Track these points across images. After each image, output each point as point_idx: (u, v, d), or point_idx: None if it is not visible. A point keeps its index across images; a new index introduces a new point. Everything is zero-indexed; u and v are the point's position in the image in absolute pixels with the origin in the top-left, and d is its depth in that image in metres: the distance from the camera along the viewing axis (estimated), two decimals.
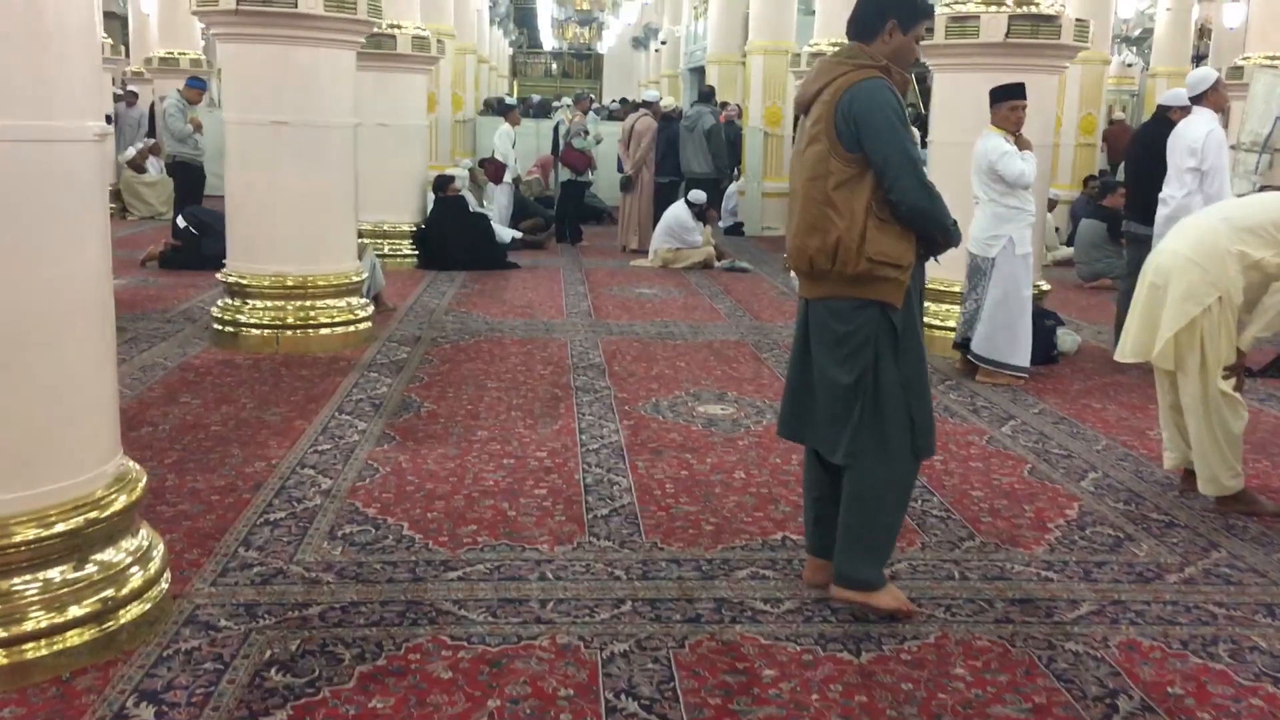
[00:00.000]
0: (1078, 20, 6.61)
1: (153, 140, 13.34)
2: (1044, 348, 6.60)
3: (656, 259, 10.95)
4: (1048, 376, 6.44)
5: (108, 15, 25.27)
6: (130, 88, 14.49)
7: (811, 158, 3.07)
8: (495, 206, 12.36)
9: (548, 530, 3.84)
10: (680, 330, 7.61)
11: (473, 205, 10.97)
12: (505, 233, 11.43)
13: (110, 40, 13.18)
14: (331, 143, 6.62)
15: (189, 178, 10.49)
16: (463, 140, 16.54)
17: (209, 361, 6.20)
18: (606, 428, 5.12)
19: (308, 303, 6.60)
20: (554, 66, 42.61)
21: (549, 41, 40.90)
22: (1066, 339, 7.03)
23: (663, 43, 25.96)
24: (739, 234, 13.63)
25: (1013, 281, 6.10)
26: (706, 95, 13.55)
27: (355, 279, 6.86)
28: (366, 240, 9.06)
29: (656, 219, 11.56)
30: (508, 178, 12.69)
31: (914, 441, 3.15)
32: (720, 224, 13.03)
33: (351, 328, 6.73)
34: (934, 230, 3.08)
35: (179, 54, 14.83)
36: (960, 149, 6.46)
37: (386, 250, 10.02)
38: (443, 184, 10.53)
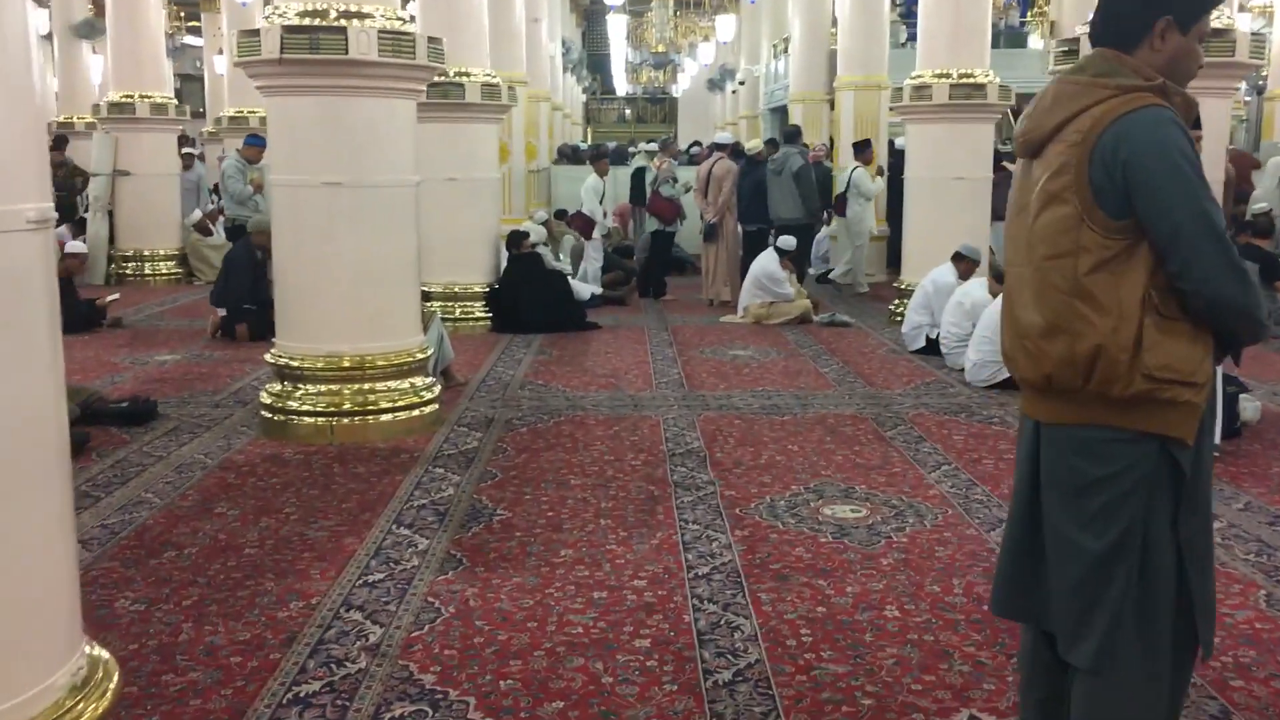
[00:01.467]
0: (1254, 34, 5.61)
1: (222, 201, 12.84)
2: (1227, 419, 5.53)
3: (748, 315, 10.05)
4: (1237, 455, 5.39)
5: (185, 78, 25.44)
6: (186, 150, 14.00)
7: (1051, 226, 2.08)
8: (587, 263, 11.61)
9: (655, 707, 2.93)
10: (786, 402, 6.69)
11: (549, 261, 10.17)
12: (584, 289, 10.60)
13: (175, 102, 12.71)
14: (391, 203, 5.86)
15: None
16: (538, 191, 15.89)
17: (255, 457, 5.43)
18: (716, 541, 4.21)
19: (366, 385, 5.81)
20: (628, 112, 42.11)
21: (622, 86, 40.51)
22: (1248, 406, 5.95)
23: (740, 83, 25.16)
24: (829, 282, 12.69)
25: None
26: (792, 135, 12.61)
27: (420, 356, 6.06)
28: (435, 305, 8.33)
29: (744, 268, 10.70)
30: (597, 233, 11.93)
31: (1191, 631, 2.13)
32: (811, 271, 12.10)
33: (415, 411, 5.91)
34: (1243, 327, 2.08)
35: (248, 112, 14.48)
36: None
37: (458, 313, 9.28)
38: (516, 240, 9.77)
